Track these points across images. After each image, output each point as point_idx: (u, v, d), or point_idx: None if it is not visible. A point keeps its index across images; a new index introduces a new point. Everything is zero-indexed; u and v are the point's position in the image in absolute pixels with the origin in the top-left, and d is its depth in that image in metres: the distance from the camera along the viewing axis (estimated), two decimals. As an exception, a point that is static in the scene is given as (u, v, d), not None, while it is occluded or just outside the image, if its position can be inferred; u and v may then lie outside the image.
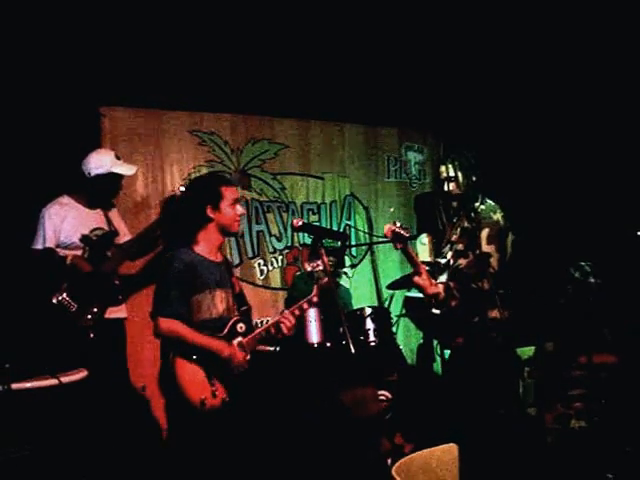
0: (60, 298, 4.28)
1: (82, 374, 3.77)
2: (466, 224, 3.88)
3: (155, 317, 3.68)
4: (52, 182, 4.63)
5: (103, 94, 5.04)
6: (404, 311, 6.02)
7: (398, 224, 3.70)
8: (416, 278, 3.84)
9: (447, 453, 2.76)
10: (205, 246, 3.85)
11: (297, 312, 3.92)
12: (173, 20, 5.05)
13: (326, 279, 3.97)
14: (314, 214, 6.27)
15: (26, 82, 4.67)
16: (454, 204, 3.97)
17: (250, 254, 5.90)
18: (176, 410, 3.71)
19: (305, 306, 3.96)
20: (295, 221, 3.88)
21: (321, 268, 5.07)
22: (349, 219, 6.46)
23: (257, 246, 5.95)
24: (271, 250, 6.03)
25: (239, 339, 3.81)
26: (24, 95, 4.66)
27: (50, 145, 4.71)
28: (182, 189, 4.59)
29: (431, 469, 2.68)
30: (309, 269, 5.34)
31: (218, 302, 3.82)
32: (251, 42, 5.43)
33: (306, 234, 5.59)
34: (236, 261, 5.80)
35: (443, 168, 3.96)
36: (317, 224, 6.11)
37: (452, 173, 3.89)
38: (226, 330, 3.80)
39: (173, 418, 3.80)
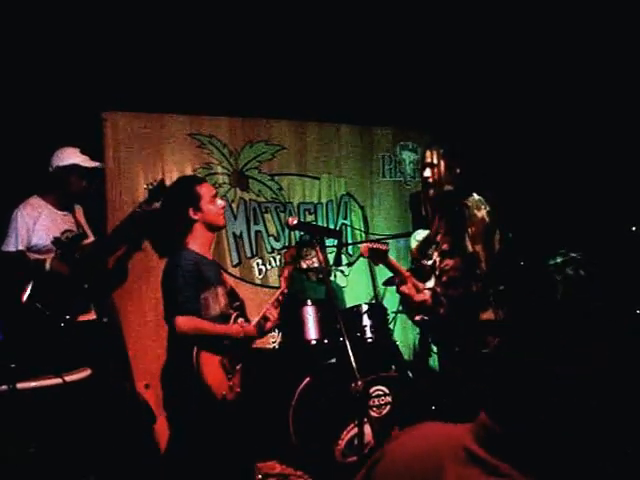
0: (33, 304, 4.16)
1: (85, 373, 3.87)
2: (451, 222, 3.77)
3: (174, 317, 3.72)
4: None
5: (105, 99, 5.13)
6: (401, 307, 6.08)
7: (373, 240, 3.76)
8: (402, 287, 3.88)
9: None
10: (199, 246, 3.92)
11: (276, 303, 4.14)
12: (172, 25, 5.11)
13: (287, 270, 4.24)
14: (311, 214, 6.35)
15: (29, 88, 4.74)
16: (431, 192, 3.86)
17: (249, 254, 5.99)
18: (198, 405, 3.78)
19: (280, 298, 4.18)
20: (290, 220, 3.93)
21: (316, 265, 5.19)
22: (345, 218, 6.54)
23: (255, 246, 6.04)
24: (269, 250, 6.12)
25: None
26: (27, 100, 4.74)
27: (53, 150, 4.78)
28: (144, 186, 4.70)
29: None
30: (304, 266, 5.44)
31: (220, 298, 3.92)
32: (248, 46, 5.50)
33: (302, 232, 5.68)
34: (235, 261, 5.90)
35: (428, 153, 3.88)
36: (314, 223, 6.18)
37: (435, 160, 3.81)
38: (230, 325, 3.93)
39: (192, 413, 3.85)
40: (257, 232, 6.03)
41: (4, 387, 3.41)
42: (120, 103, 5.23)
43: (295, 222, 3.95)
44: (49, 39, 4.75)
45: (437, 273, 3.86)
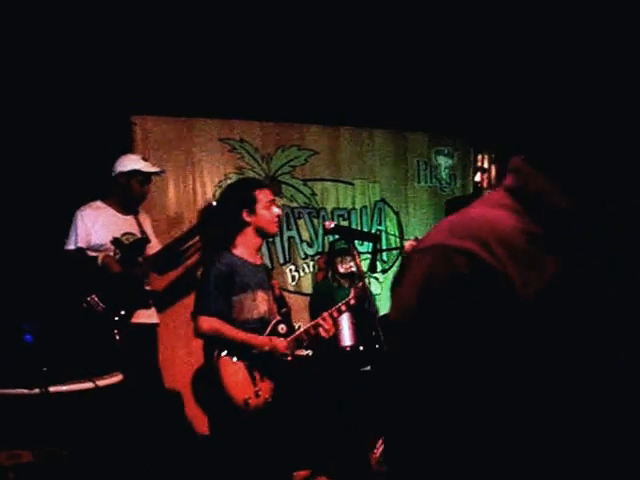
0: (89, 298, 4.30)
1: (118, 377, 3.81)
2: None
3: (195, 316, 3.74)
4: (86, 189, 4.73)
5: (135, 103, 5.11)
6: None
7: (419, 239, 3.70)
8: None
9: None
10: (244, 249, 3.91)
11: (335, 314, 4.01)
12: (203, 30, 5.09)
13: (362, 283, 4.02)
14: (344, 220, 6.25)
15: (58, 92, 4.75)
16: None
17: (282, 260, 5.91)
18: (219, 409, 3.75)
19: (343, 308, 4.04)
20: (327, 223, 3.93)
21: (354, 269, 5.10)
22: (380, 224, 6.44)
23: (288, 252, 5.96)
24: (302, 256, 6.03)
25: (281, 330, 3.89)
26: (59, 105, 4.75)
27: (84, 153, 4.78)
28: (214, 204, 4.74)
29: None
30: (342, 271, 5.34)
31: (259, 303, 3.88)
32: (281, 50, 5.46)
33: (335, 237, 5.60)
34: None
35: (479, 157, 3.83)
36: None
37: (486, 165, 3.77)
38: (268, 331, 3.86)
39: (216, 417, 3.83)
40: (290, 238, 5.95)
41: (36, 390, 3.36)
42: (150, 107, 5.22)
43: (332, 225, 3.93)
44: (79, 43, 4.75)
45: None
